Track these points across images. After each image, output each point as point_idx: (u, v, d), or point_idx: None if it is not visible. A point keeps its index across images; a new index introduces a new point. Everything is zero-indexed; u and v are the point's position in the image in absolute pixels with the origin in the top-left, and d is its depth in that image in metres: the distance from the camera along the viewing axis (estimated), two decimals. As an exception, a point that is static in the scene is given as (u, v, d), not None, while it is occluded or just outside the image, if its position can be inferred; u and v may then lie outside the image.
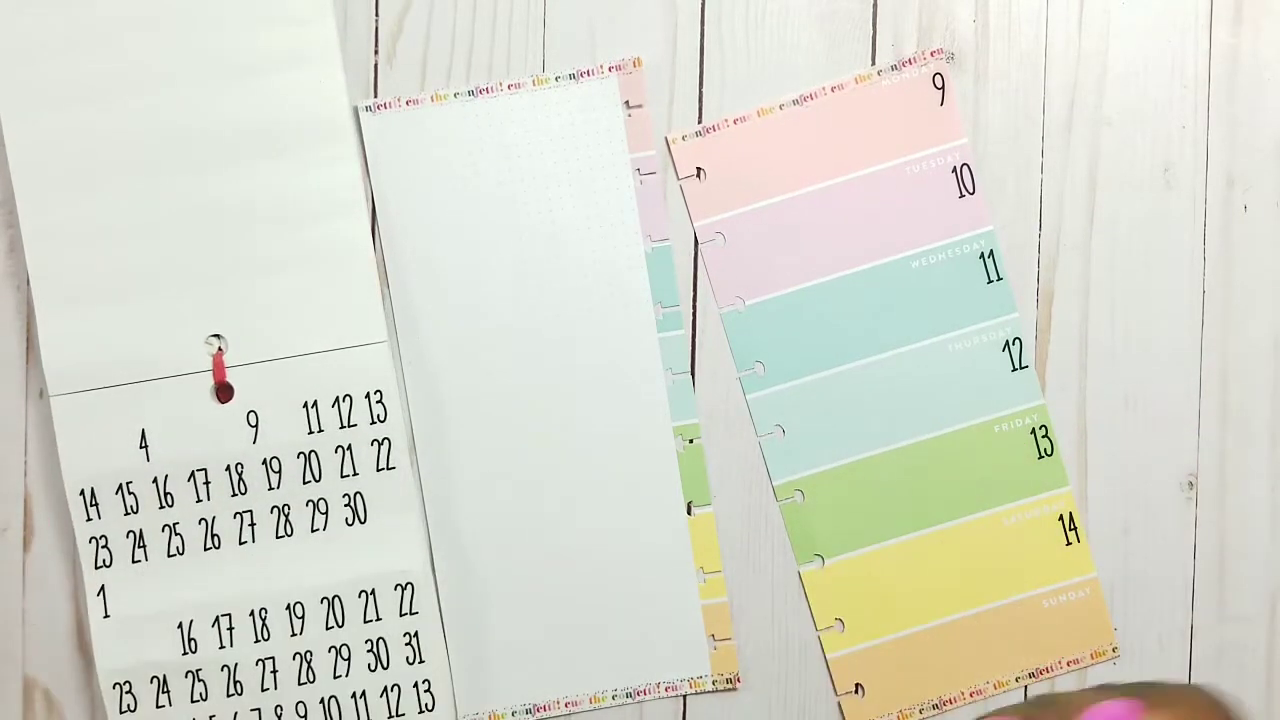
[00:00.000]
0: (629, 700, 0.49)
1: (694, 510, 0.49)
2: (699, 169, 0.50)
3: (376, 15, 0.50)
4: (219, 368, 0.48)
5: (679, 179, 0.49)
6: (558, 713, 0.49)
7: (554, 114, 0.49)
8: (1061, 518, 0.50)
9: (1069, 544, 0.50)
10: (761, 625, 0.50)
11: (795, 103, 0.49)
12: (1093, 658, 0.50)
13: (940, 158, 0.50)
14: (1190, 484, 0.50)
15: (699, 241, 0.50)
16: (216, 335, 0.48)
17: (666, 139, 0.49)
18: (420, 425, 0.49)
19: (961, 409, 0.49)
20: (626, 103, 0.49)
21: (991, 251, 0.50)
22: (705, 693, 0.50)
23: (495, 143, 0.49)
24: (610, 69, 0.49)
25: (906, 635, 0.49)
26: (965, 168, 0.50)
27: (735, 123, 0.49)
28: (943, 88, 0.49)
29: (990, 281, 0.50)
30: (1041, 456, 0.50)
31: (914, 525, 0.49)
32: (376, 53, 0.50)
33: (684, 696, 0.50)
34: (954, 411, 0.49)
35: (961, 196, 0.50)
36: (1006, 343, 0.50)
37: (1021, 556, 0.49)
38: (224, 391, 0.48)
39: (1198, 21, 0.50)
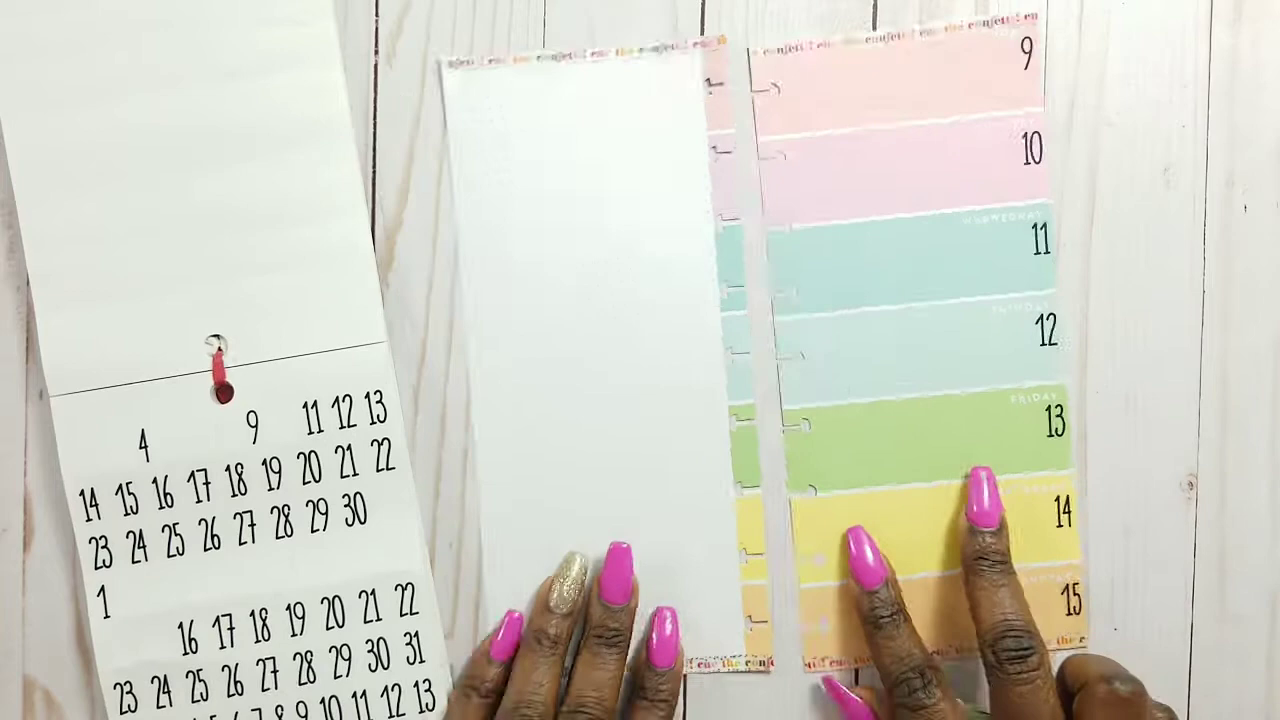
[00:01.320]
0: None
1: (742, 491, 0.49)
2: (775, 84, 0.49)
3: (376, 15, 0.50)
4: (218, 368, 0.48)
5: (753, 91, 0.49)
6: None
7: (634, 85, 0.49)
8: (1058, 499, 0.50)
9: (1060, 526, 0.50)
10: (792, 612, 0.50)
11: (883, 39, 0.49)
12: (1059, 643, 0.50)
13: (1013, 121, 0.49)
14: (1190, 484, 0.50)
15: (761, 157, 0.49)
16: (216, 335, 0.48)
17: (748, 50, 0.49)
18: (477, 384, 0.49)
19: (983, 373, 0.50)
20: (708, 80, 0.49)
21: (1045, 224, 0.49)
22: (738, 672, 0.50)
23: (573, 108, 0.49)
24: (695, 44, 0.49)
25: None
26: (1036, 135, 0.49)
27: (819, 46, 0.49)
28: (1029, 52, 0.49)
29: (1037, 253, 0.50)
30: (1052, 435, 0.50)
31: (915, 476, 0.50)
32: (376, 53, 0.50)
33: (716, 674, 0.50)
34: (976, 374, 0.50)
35: (1026, 163, 0.49)
36: (1041, 316, 0.50)
37: (1012, 529, 0.49)
38: (223, 391, 0.48)
39: (1198, 21, 0.50)
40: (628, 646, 0.47)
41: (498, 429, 0.50)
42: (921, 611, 0.49)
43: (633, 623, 0.48)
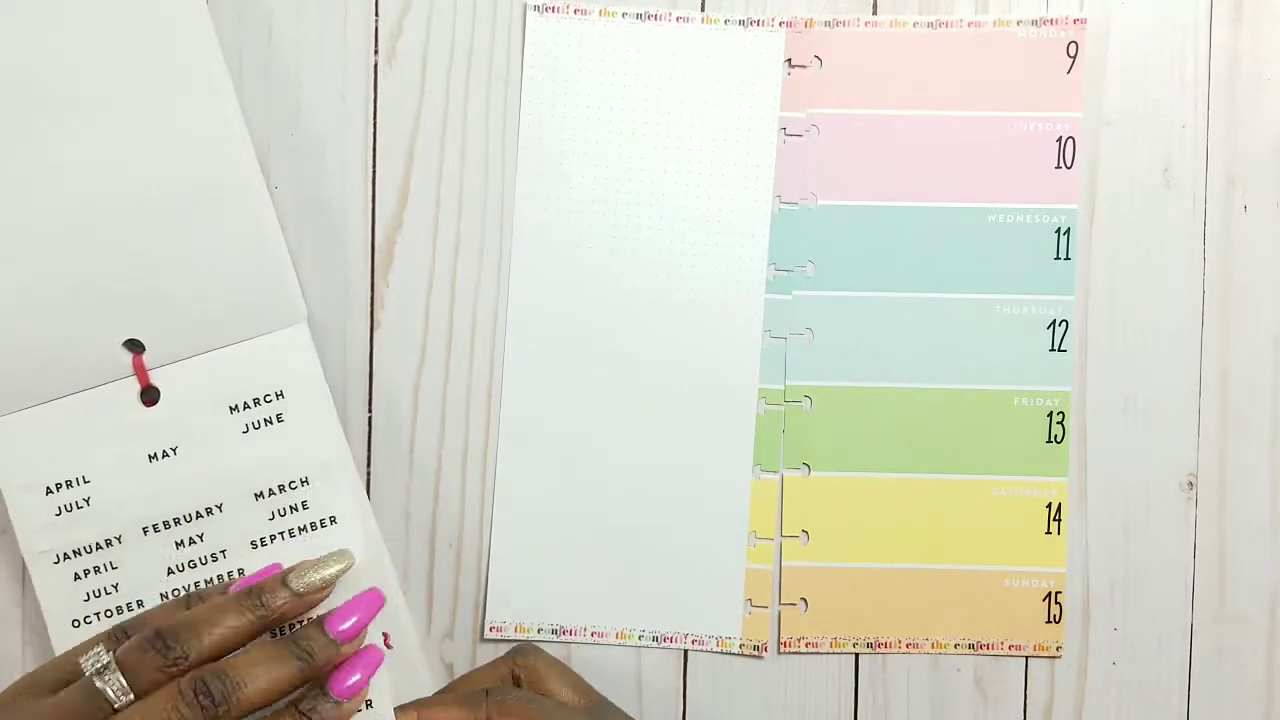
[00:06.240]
0: (654, 644, 0.49)
1: (761, 474, 0.50)
2: (818, 57, 0.49)
3: (376, 15, 0.49)
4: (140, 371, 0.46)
5: (792, 65, 0.49)
6: (583, 639, 0.49)
7: (715, 55, 0.49)
8: (1050, 505, 0.50)
9: (1049, 533, 0.50)
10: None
11: (930, 25, 0.49)
12: (1036, 650, 0.50)
13: (1050, 123, 0.50)
14: (1190, 484, 0.50)
15: (786, 132, 0.49)
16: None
17: (790, 21, 0.49)
18: (514, 326, 0.49)
19: (990, 371, 0.50)
20: (789, 60, 0.49)
21: (1069, 230, 0.49)
22: (731, 654, 0.50)
23: (651, 70, 0.49)
24: (781, 24, 0.49)
25: (865, 568, 0.50)
26: (1070, 140, 0.49)
27: (866, 24, 0.49)
28: (1075, 56, 0.49)
29: (1058, 258, 0.50)
30: (1050, 441, 0.50)
31: (908, 467, 0.50)
32: (376, 53, 0.50)
33: (709, 654, 0.50)
34: (982, 371, 0.50)
35: (1058, 167, 0.50)
36: (1053, 321, 0.50)
37: (1000, 530, 0.50)
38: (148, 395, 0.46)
39: (1198, 21, 0.50)
40: (311, 680, 0.41)
41: (527, 393, 0.49)
42: (889, 599, 0.50)
43: (330, 667, 0.41)
